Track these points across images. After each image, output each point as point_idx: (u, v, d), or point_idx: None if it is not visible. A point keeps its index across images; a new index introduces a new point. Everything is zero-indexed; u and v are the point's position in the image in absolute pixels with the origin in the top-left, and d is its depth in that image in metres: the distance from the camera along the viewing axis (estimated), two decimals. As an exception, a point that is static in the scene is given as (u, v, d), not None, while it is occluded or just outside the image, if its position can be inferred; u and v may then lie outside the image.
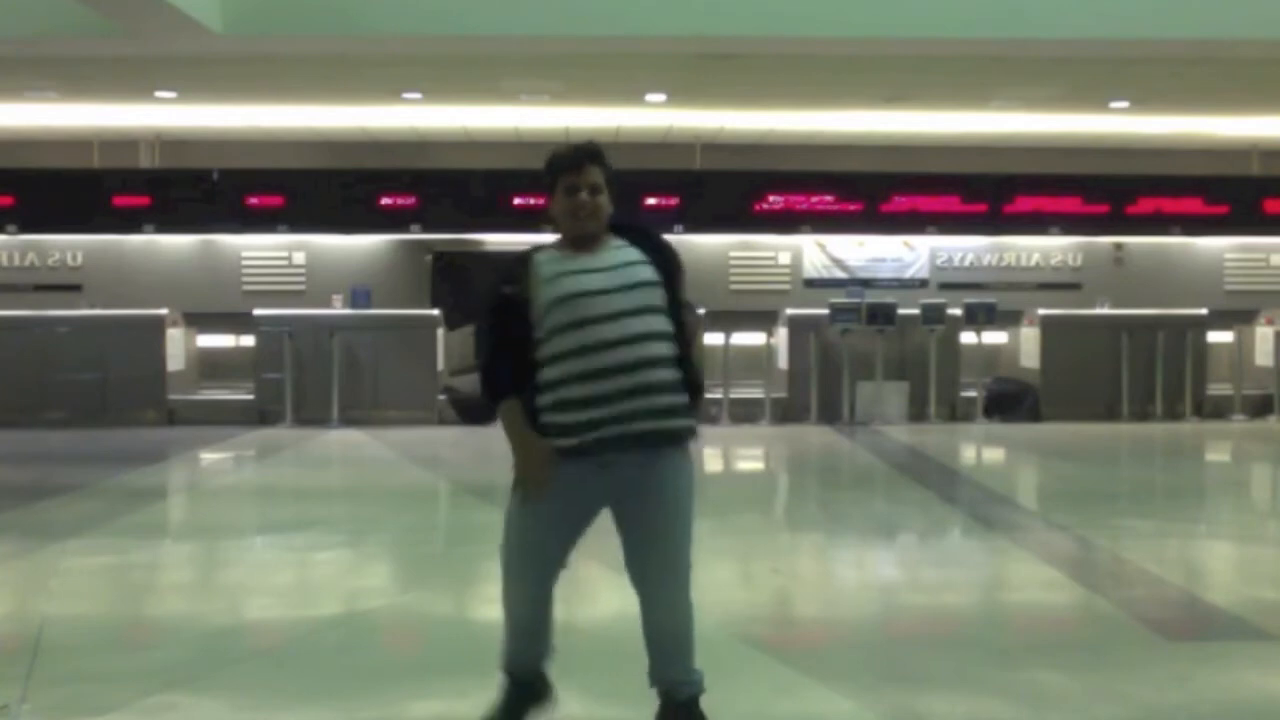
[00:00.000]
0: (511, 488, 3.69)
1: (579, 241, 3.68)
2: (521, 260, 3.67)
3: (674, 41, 10.63)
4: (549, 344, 3.57)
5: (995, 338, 14.83)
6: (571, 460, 3.54)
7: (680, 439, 3.62)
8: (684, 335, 3.64)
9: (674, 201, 15.86)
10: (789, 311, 14.23)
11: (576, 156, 3.69)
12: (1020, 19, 10.33)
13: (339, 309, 14.49)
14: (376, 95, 13.71)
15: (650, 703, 3.74)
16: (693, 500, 3.67)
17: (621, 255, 3.65)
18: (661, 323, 3.58)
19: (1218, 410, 14.28)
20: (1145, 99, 13.85)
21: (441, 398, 13.74)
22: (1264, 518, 9.06)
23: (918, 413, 13.70)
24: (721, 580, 6.47)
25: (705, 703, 3.69)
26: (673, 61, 11.85)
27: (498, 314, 3.63)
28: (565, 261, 3.63)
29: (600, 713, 4.16)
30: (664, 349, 3.56)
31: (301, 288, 15.87)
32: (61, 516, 8.08)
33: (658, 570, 3.62)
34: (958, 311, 13.98)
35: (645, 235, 3.75)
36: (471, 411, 13.65)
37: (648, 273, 3.62)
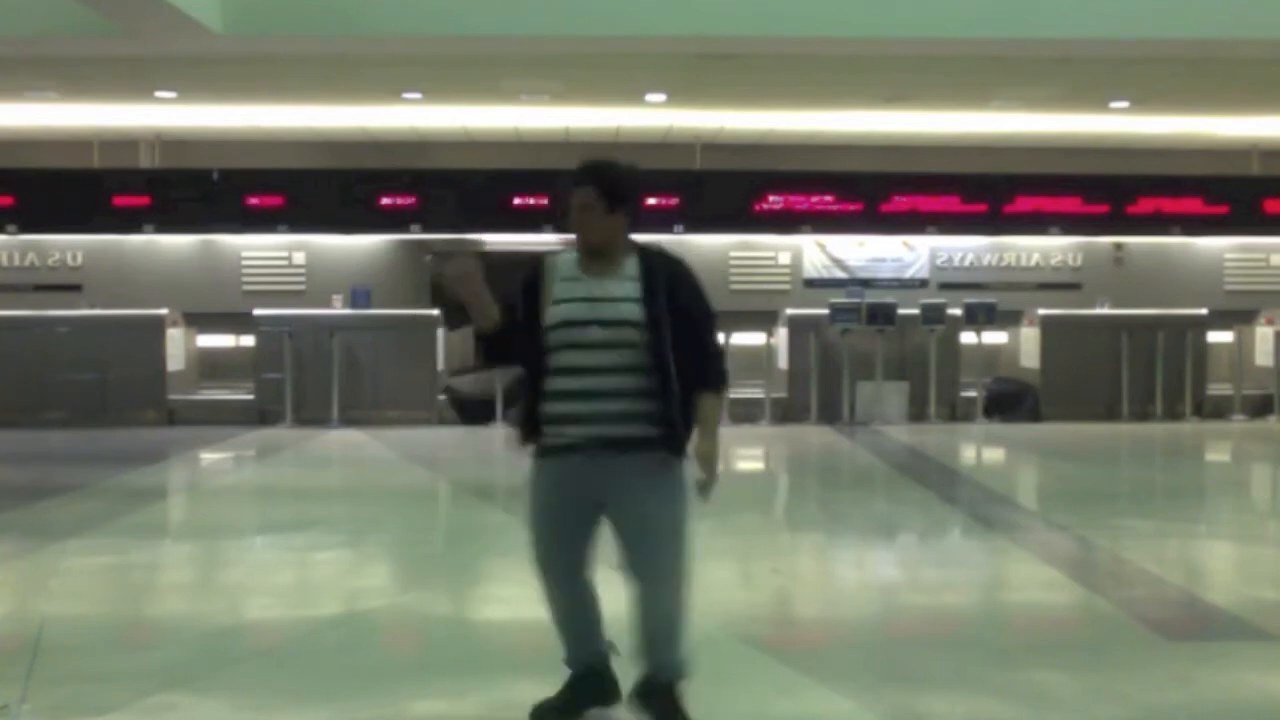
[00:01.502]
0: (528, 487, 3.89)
1: (588, 254, 3.89)
2: (539, 263, 3.95)
3: (674, 41, 10.63)
4: (548, 342, 3.83)
5: (995, 338, 14.82)
6: (563, 456, 3.80)
7: (650, 446, 3.78)
8: (691, 342, 3.84)
9: (674, 201, 15.85)
10: (789, 311, 14.23)
11: (575, 175, 3.89)
12: (1020, 19, 10.32)
13: (339, 309, 14.48)
14: (376, 95, 13.71)
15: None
16: (678, 501, 3.82)
17: (619, 288, 3.83)
18: (633, 358, 3.78)
19: (1218, 410, 14.27)
20: (1145, 99, 13.84)
21: (441, 398, 13.74)
22: (1264, 518, 9.06)
23: (918, 413, 13.69)
24: (721, 580, 6.47)
25: (706, 701, 3.69)
26: (673, 61, 11.85)
27: (519, 297, 3.92)
28: (573, 283, 3.87)
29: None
30: (632, 381, 3.79)
31: (301, 288, 15.86)
32: (61, 516, 8.08)
33: (640, 563, 3.82)
34: (958, 311, 13.97)
35: (657, 258, 3.91)
36: (471, 411, 13.66)
37: (632, 311, 3.79)
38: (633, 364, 3.78)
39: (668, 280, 3.84)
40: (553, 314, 3.82)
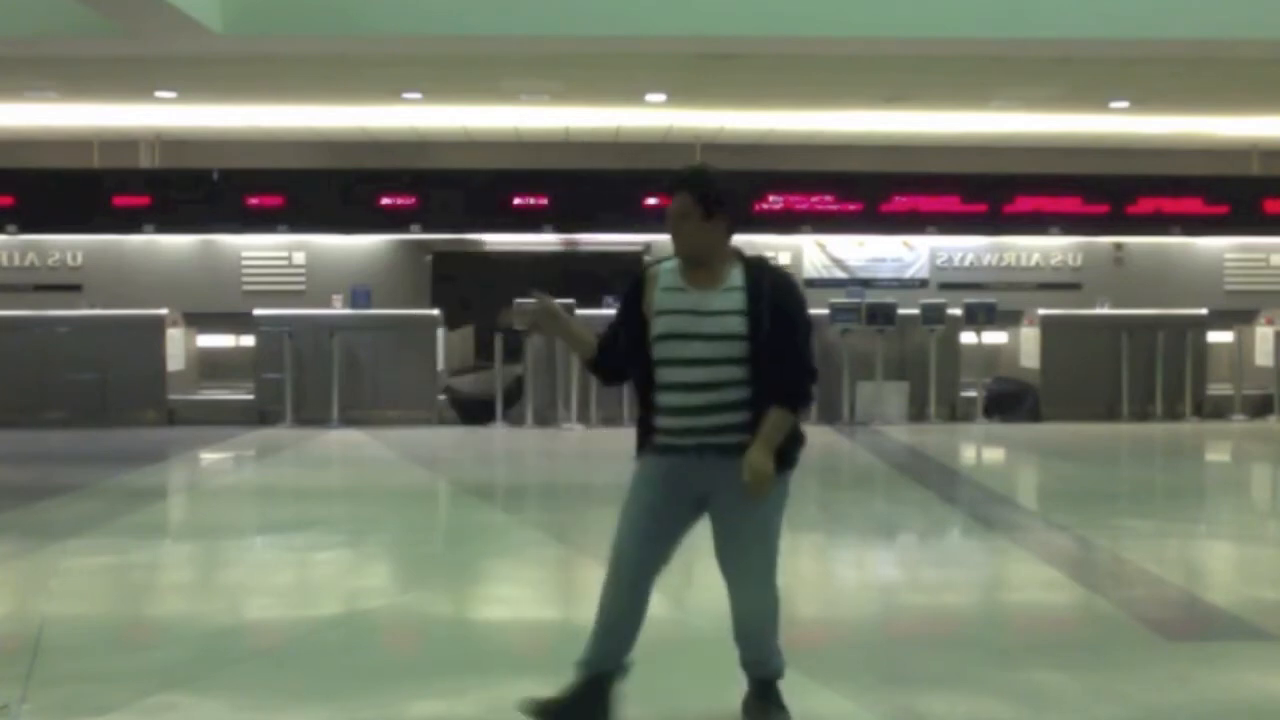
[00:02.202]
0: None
1: (687, 264, 3.89)
2: (640, 272, 3.97)
3: (674, 41, 10.64)
4: (653, 354, 3.86)
5: (995, 338, 14.82)
6: (668, 454, 3.86)
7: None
8: (784, 353, 3.82)
9: (674, 202, 15.83)
10: (789, 311, 14.19)
11: (670, 184, 3.90)
12: (1020, 19, 10.33)
13: (339, 309, 14.48)
14: (376, 95, 13.71)
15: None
16: (769, 507, 3.93)
17: (722, 300, 3.81)
18: (736, 371, 3.80)
19: (1218, 410, 14.26)
20: (1145, 99, 13.85)
21: (441, 398, 13.74)
22: (1264, 518, 9.06)
23: (918, 413, 13.69)
24: (721, 580, 6.47)
25: (706, 701, 3.69)
26: (673, 61, 11.85)
27: (622, 308, 3.99)
28: (676, 294, 3.86)
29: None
30: (734, 394, 3.82)
31: (301, 288, 15.87)
32: (61, 516, 8.08)
33: (729, 564, 3.94)
34: (958, 311, 13.97)
35: (763, 270, 3.90)
36: (471, 411, 13.66)
37: (735, 324, 3.79)
38: (736, 377, 3.81)
39: (773, 293, 3.83)
40: (656, 325, 3.85)
